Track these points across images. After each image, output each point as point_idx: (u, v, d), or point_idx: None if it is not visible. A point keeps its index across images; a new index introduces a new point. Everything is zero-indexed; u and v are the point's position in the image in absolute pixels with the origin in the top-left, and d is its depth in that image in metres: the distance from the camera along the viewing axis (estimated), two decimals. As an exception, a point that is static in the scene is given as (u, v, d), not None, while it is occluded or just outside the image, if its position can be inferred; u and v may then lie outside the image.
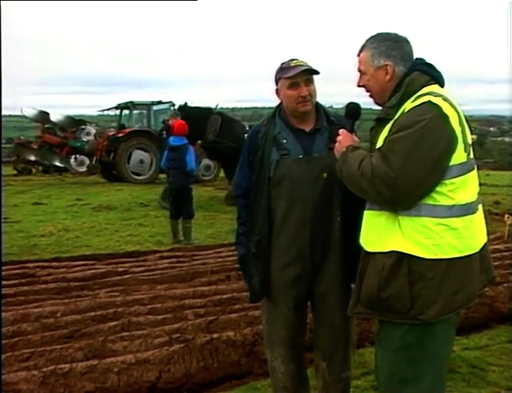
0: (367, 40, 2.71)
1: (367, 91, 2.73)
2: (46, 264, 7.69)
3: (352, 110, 2.90)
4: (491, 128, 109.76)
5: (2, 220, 9.31)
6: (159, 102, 22.04)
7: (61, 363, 4.15)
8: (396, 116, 2.50)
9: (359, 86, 2.75)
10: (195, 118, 13.74)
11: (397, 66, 2.62)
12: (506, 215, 9.41)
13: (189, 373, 4.18)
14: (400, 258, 2.44)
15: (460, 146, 2.43)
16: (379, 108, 2.70)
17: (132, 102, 22.02)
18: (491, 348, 4.84)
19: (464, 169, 2.46)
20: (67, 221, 11.80)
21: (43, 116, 23.46)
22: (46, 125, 23.44)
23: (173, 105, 21.03)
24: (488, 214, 11.77)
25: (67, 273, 7.06)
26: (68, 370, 3.97)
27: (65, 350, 4.38)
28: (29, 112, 23.50)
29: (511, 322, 5.53)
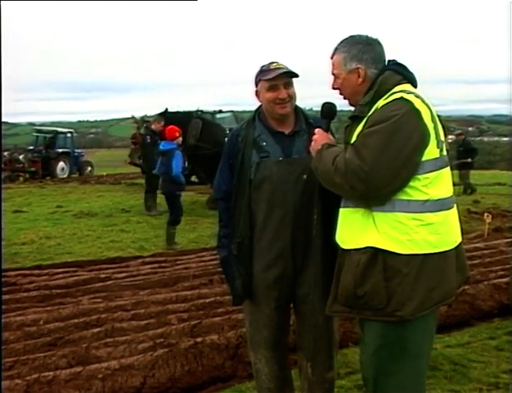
0: (339, 43, 2.76)
1: (341, 93, 2.78)
2: (27, 272, 7.64)
3: (328, 109, 2.93)
4: (470, 128, 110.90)
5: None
6: (220, 111, 22.77)
7: (45, 371, 4.14)
8: (369, 113, 2.54)
9: (333, 88, 2.79)
10: (176, 123, 13.73)
11: (369, 69, 2.67)
12: (486, 214, 9.51)
13: (174, 378, 4.18)
14: (375, 254, 2.47)
15: (433, 142, 2.47)
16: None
17: (201, 111, 22.40)
18: (473, 345, 4.89)
19: (437, 164, 2.50)
20: (48, 228, 11.71)
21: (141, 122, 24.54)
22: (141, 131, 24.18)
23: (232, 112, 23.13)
24: (468, 213, 11.92)
25: (49, 281, 7.02)
26: (52, 378, 3.96)
27: (48, 357, 4.36)
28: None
29: (492, 319, 5.60)
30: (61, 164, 29.33)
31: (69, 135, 31.44)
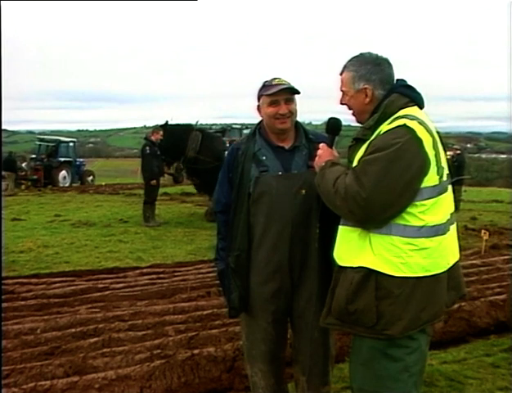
0: (349, 61, 2.78)
1: (349, 109, 2.81)
2: (25, 280, 7.64)
3: (333, 125, 2.96)
4: (468, 145, 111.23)
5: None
6: (247, 127, 23.01)
7: (42, 380, 4.13)
8: (372, 137, 2.57)
9: (341, 104, 2.82)
10: (176, 135, 13.77)
11: (376, 90, 2.69)
12: (483, 231, 9.53)
13: (170, 389, 4.18)
14: (368, 274, 2.51)
15: (433, 170, 2.49)
16: (358, 125, 2.77)
17: (231, 127, 22.64)
18: (469, 361, 4.90)
19: (435, 191, 2.52)
20: (46, 237, 11.69)
21: None
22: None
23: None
24: (465, 230, 11.94)
25: (47, 290, 7.01)
26: (48, 387, 3.95)
27: (45, 366, 4.35)
28: None
29: (488, 336, 5.61)
30: (63, 172, 29.59)
31: (71, 144, 31.81)
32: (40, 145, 31.12)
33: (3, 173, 23.93)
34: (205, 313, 5.83)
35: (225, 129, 21.65)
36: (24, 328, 5.33)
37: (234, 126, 22.95)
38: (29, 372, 4.27)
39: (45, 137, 33.44)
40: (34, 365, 4.38)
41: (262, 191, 3.12)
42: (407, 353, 2.58)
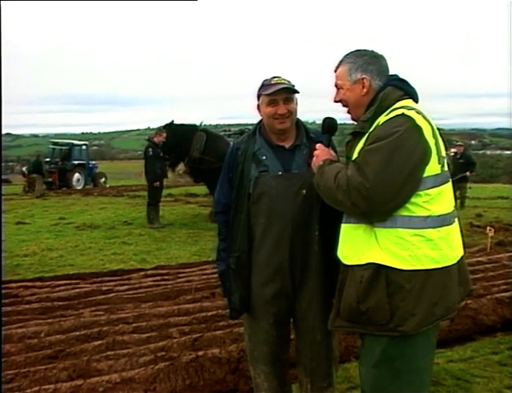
0: (345, 56, 2.77)
1: (343, 106, 2.78)
2: (29, 283, 7.61)
3: (328, 124, 2.94)
4: (473, 142, 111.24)
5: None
6: None
7: (46, 383, 4.12)
8: (370, 129, 2.54)
9: (335, 101, 2.80)
10: (181, 135, 13.74)
11: (374, 80, 2.68)
12: (488, 228, 9.47)
13: (175, 392, 4.15)
14: (377, 270, 2.46)
15: (434, 158, 2.47)
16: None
17: (248, 128, 22.75)
18: (476, 360, 4.87)
19: (438, 180, 2.50)
20: (50, 240, 11.70)
21: None
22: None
23: None
24: (470, 227, 11.89)
25: (51, 293, 7.00)
26: (52, 391, 3.94)
27: (49, 370, 4.34)
28: None
29: (495, 333, 5.57)
30: (77, 175, 30.75)
31: (84, 147, 33.02)
32: (54, 148, 32.06)
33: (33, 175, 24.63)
34: (210, 314, 5.80)
35: (243, 131, 21.66)
36: (28, 332, 5.31)
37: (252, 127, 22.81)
38: (33, 376, 4.25)
39: (58, 140, 34.85)
40: (38, 369, 4.37)
41: (261, 192, 3.09)
42: (423, 351, 2.56)
